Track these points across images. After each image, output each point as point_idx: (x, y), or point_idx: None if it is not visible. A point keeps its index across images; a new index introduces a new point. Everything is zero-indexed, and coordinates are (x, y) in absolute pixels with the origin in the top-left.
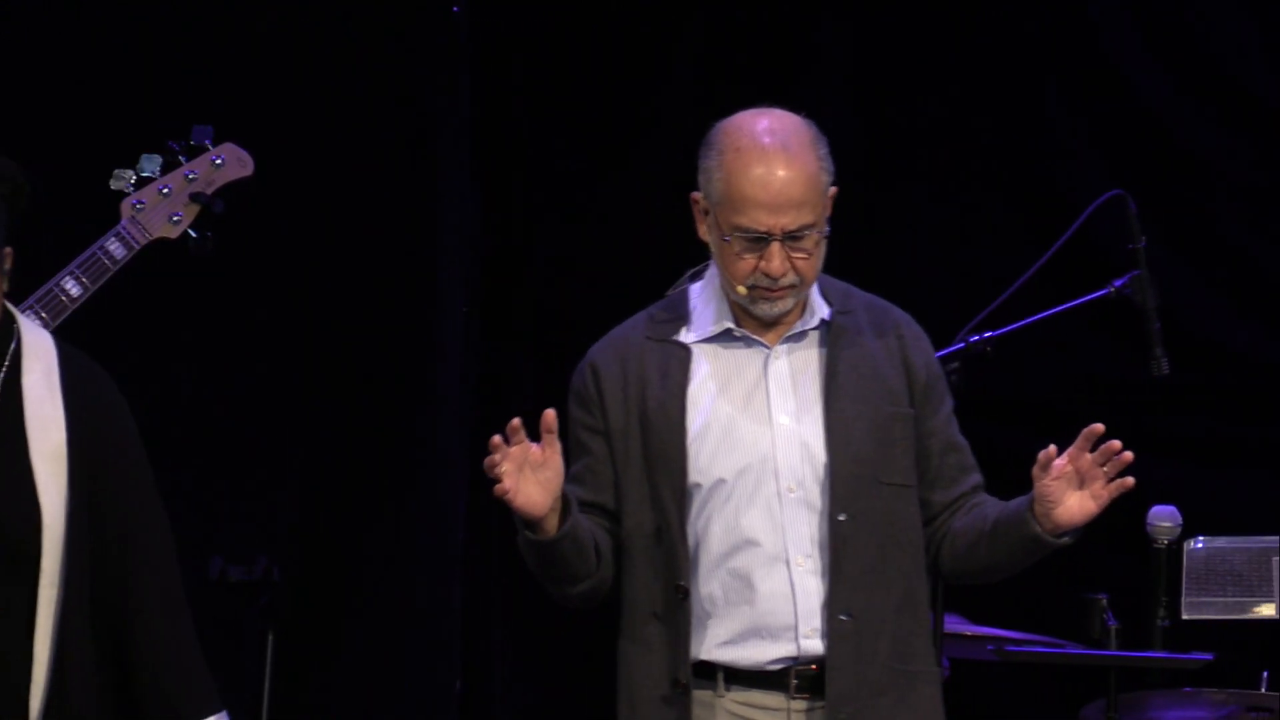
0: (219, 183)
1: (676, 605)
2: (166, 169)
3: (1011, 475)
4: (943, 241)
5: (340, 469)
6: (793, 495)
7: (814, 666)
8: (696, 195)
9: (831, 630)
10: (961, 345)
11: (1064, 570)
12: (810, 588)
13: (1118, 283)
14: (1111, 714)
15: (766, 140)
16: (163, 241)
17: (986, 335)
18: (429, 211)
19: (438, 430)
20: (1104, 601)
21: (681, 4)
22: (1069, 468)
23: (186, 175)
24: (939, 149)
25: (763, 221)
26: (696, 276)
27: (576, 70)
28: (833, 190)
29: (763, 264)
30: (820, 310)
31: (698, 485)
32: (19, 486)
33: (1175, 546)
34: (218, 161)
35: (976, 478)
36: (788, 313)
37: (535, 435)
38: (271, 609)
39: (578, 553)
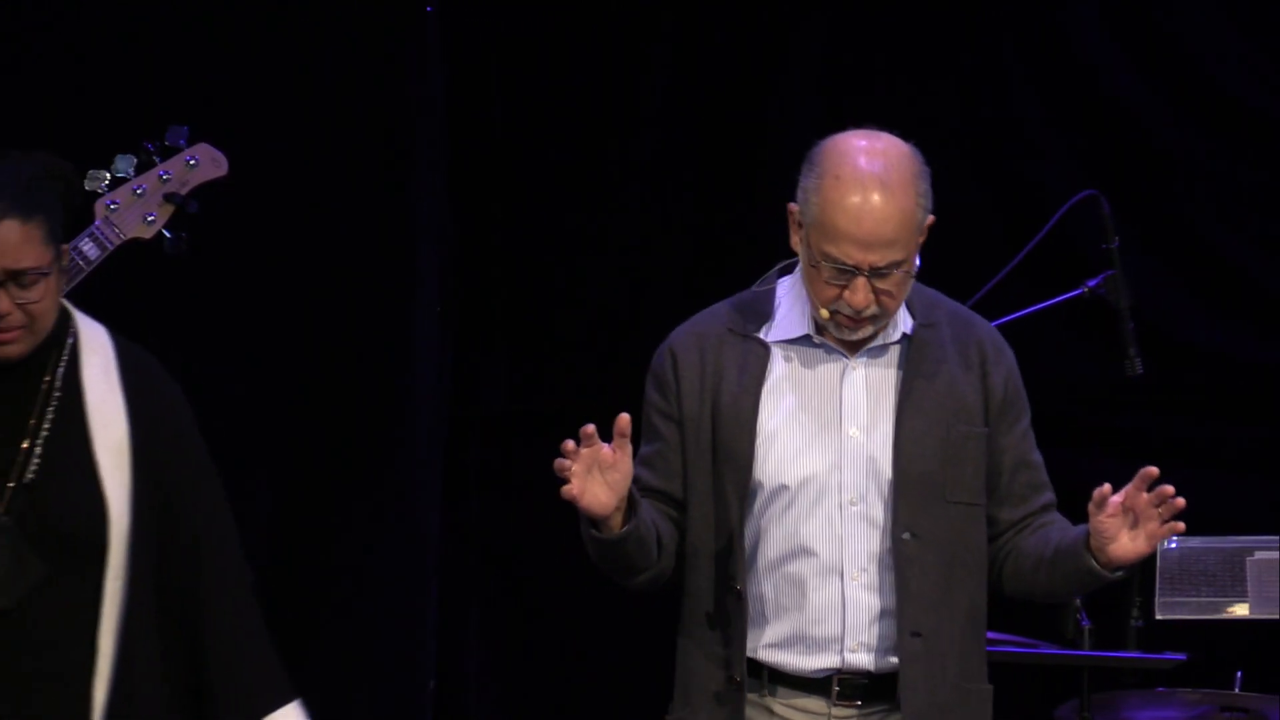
0: (193, 183)
1: (733, 605)
2: (141, 169)
3: None
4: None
5: (314, 469)
6: (854, 508)
7: (857, 675)
8: (793, 207)
9: (902, 650)
10: None
11: None
12: (862, 602)
13: (1091, 282)
14: (1085, 714)
15: (866, 171)
16: (137, 242)
17: None
18: (403, 211)
19: (412, 430)
20: (1078, 602)
21: (655, 3)
22: (1120, 506)
23: (161, 175)
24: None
25: (852, 256)
26: (786, 270)
27: (551, 69)
28: (929, 220)
29: (847, 294)
30: (903, 324)
31: (761, 487)
32: (84, 480)
33: None
34: (192, 162)
35: (1048, 496)
36: (869, 337)
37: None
38: None
39: (640, 549)
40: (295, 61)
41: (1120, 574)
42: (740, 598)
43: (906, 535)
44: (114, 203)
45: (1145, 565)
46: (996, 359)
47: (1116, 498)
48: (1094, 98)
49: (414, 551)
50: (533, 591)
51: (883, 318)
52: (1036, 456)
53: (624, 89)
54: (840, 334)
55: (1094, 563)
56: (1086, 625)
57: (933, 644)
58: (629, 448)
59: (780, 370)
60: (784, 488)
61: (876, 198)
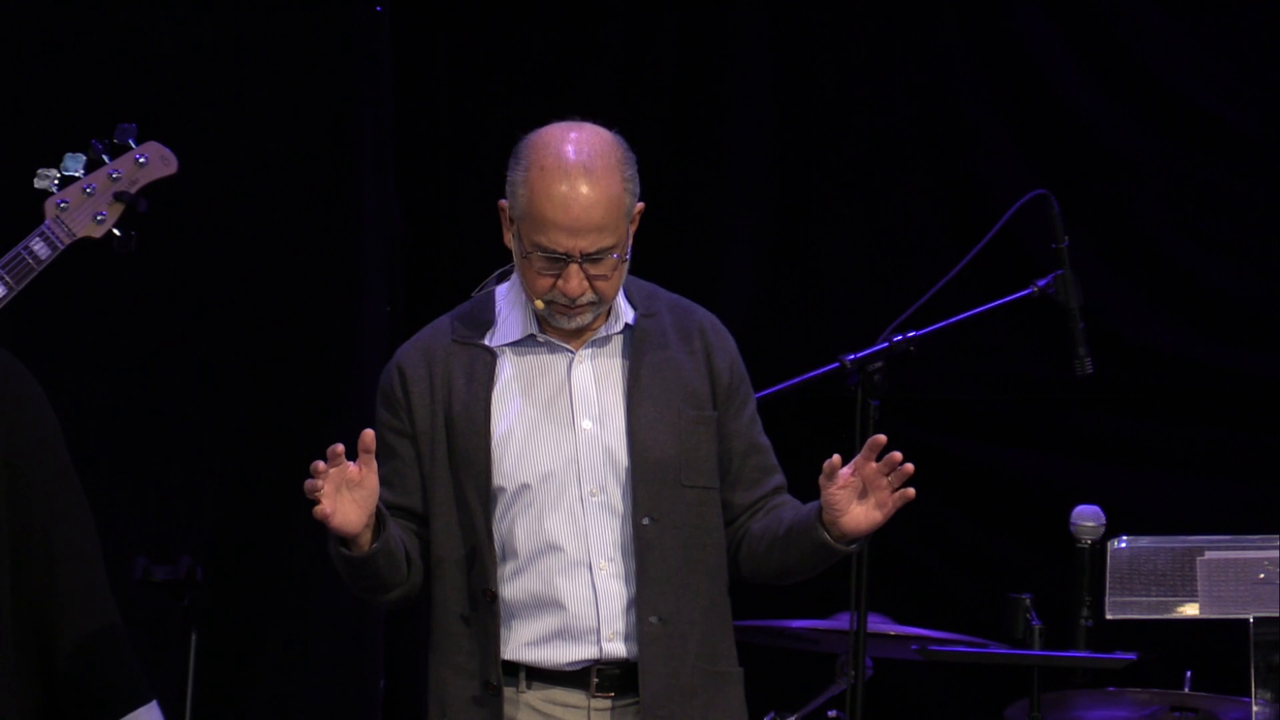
0: (143, 181)
1: (485, 608)
2: (90, 168)
3: (934, 475)
4: (866, 242)
5: (264, 467)
6: (595, 500)
7: (611, 670)
8: (503, 203)
9: (642, 634)
10: (885, 345)
11: (988, 570)
12: (613, 591)
13: (1041, 282)
14: (1035, 714)
15: (571, 160)
16: (87, 240)
17: (910, 335)
18: (352, 209)
19: (360, 428)
20: (1028, 601)
21: (603, 3)
22: (855, 478)
23: (110, 174)
24: (861, 149)
25: (562, 243)
26: (504, 277)
27: (499, 68)
28: (639, 207)
29: (560, 283)
30: (624, 315)
31: (502, 489)
32: None
33: (1099, 546)
34: (141, 160)
35: (778, 479)
36: (587, 325)
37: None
38: (195, 609)
39: (390, 564)
40: (245, 60)
41: (854, 546)
42: (494, 599)
43: (646, 520)
44: (64, 201)
45: (1095, 565)
46: (720, 344)
47: (846, 469)
48: (1043, 98)
49: None
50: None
51: (600, 304)
52: (764, 440)
53: (573, 87)
54: (560, 323)
55: (827, 536)
56: (1037, 625)
57: (672, 627)
58: (374, 464)
59: (508, 373)
60: (525, 487)
61: (583, 185)
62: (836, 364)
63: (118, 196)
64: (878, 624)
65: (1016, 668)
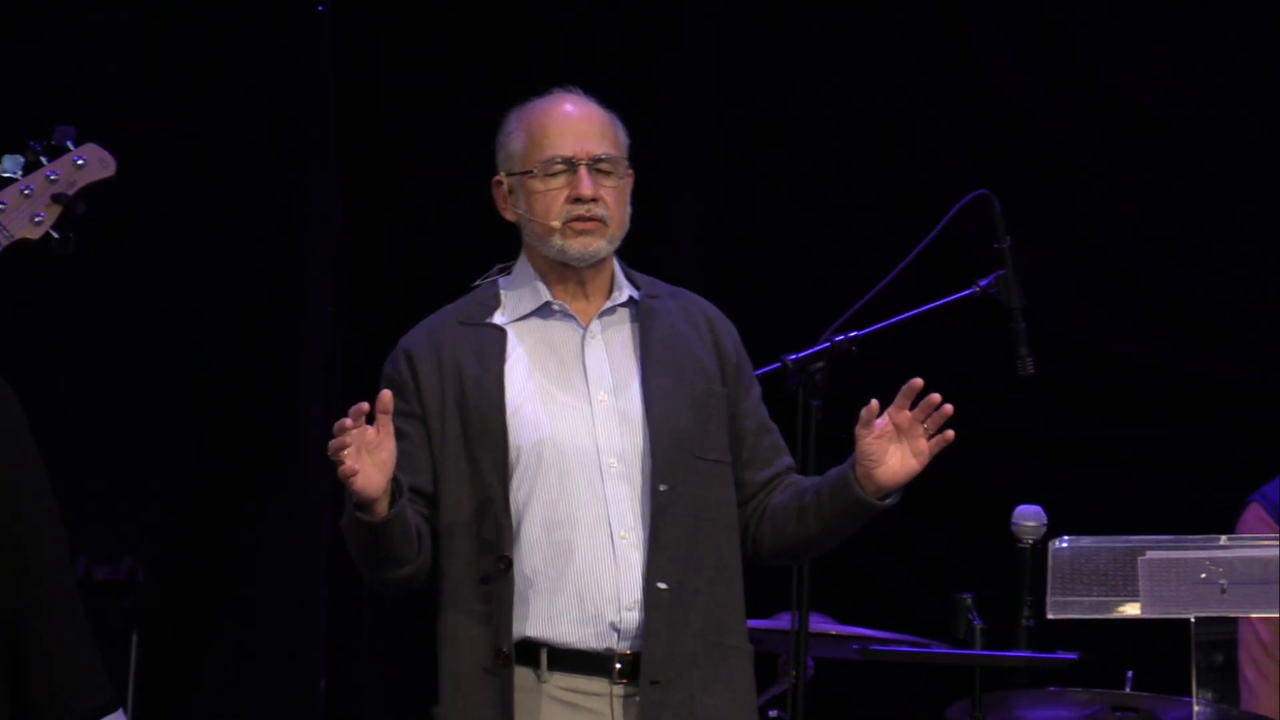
0: (81, 183)
1: (499, 576)
2: (28, 170)
3: None
4: (808, 240)
5: (205, 468)
6: (614, 470)
7: (628, 650)
8: (498, 178)
9: (648, 599)
10: (826, 345)
11: (929, 570)
12: (632, 560)
13: (983, 282)
14: (977, 713)
15: (565, 95)
16: (25, 242)
17: (852, 335)
18: (294, 209)
19: (304, 429)
20: (969, 601)
21: (545, 3)
22: (890, 426)
23: (48, 176)
24: (804, 148)
25: (569, 146)
26: (505, 271)
27: (441, 67)
28: (630, 174)
29: (572, 190)
30: (628, 288)
31: (519, 458)
32: None
33: (1040, 546)
34: (80, 162)
35: (789, 459)
36: (601, 260)
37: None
38: (136, 609)
39: (404, 536)
40: (186, 61)
41: (889, 500)
42: (509, 569)
43: (663, 487)
44: (1, 203)
45: (1037, 565)
46: (724, 327)
47: (882, 419)
48: (986, 97)
49: (305, 553)
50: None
51: (610, 226)
52: (773, 423)
53: (514, 87)
54: (574, 249)
55: (860, 491)
56: (978, 625)
57: (677, 594)
58: (391, 428)
59: (519, 348)
60: (542, 456)
61: (581, 103)
62: (778, 364)
63: (55, 198)
64: (819, 624)
65: (958, 667)
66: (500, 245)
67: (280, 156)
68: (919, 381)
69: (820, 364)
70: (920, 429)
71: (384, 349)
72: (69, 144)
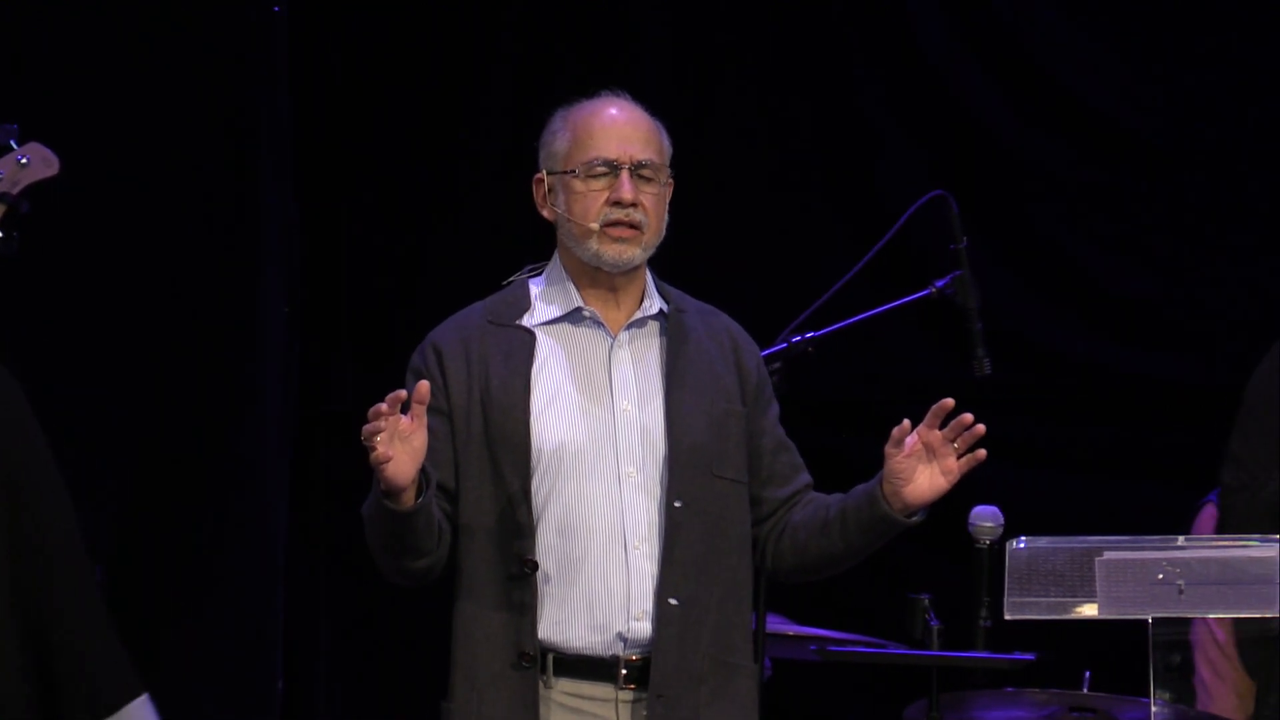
0: (24, 182)
1: (524, 579)
2: None
3: (833, 475)
4: (764, 241)
5: (161, 470)
6: (632, 480)
7: (634, 657)
8: (539, 176)
9: (659, 614)
10: (783, 345)
11: (886, 570)
12: (645, 571)
13: (939, 283)
14: (934, 714)
15: (611, 98)
16: None
17: (808, 335)
18: (249, 211)
19: (259, 430)
20: (926, 602)
21: (499, 6)
22: (919, 445)
23: None
24: (759, 149)
25: (612, 149)
26: (536, 272)
27: (397, 69)
28: (670, 180)
29: (614, 193)
30: (658, 301)
31: (540, 461)
32: None
33: (997, 547)
34: (23, 161)
35: (807, 477)
36: (635, 268)
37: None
38: None
39: (428, 527)
40: (137, 60)
41: (916, 518)
42: (534, 570)
43: (678, 503)
44: None
45: (994, 566)
46: (746, 346)
47: (912, 438)
48: (940, 99)
49: (261, 551)
50: (380, 592)
51: (647, 233)
52: (790, 441)
53: (469, 89)
54: (610, 254)
55: (887, 508)
56: (935, 625)
57: (688, 610)
58: (425, 418)
59: (547, 352)
60: (562, 460)
61: (627, 107)
62: None
63: None
64: (776, 624)
65: (915, 668)
66: (456, 248)
67: (234, 157)
68: (950, 401)
69: (777, 365)
70: (950, 448)
71: (339, 353)
72: (12, 143)
